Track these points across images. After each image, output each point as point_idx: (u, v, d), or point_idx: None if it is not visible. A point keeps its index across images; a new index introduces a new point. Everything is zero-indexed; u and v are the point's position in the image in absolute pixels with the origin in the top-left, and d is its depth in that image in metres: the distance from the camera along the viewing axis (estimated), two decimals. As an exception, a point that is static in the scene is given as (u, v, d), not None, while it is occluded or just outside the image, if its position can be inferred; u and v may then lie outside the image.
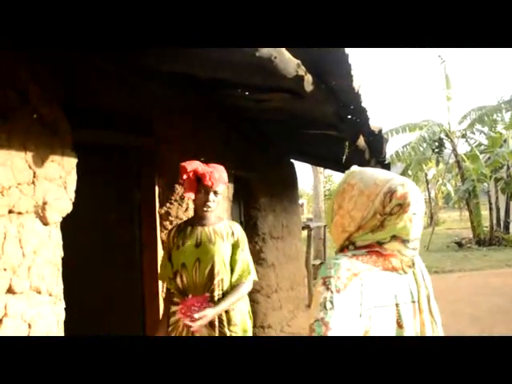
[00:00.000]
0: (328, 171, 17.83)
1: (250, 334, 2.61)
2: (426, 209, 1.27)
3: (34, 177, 1.95)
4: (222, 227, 2.58)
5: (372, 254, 1.19)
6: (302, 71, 2.19)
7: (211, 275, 2.48)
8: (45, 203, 1.99)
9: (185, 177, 2.46)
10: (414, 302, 1.24)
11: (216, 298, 2.48)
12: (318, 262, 8.80)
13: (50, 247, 2.04)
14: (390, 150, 18.63)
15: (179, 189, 3.23)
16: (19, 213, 1.88)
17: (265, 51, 1.75)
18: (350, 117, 3.34)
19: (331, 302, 1.09)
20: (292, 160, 6.65)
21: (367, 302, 1.13)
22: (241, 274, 2.57)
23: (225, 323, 2.49)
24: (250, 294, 2.88)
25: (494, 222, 16.59)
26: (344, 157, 4.12)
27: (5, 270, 1.81)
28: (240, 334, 2.51)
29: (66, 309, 2.15)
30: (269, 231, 5.44)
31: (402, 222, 1.19)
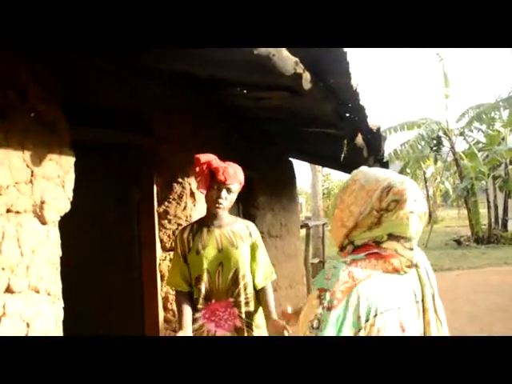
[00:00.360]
0: (326, 169, 17.83)
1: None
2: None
3: (32, 176, 1.95)
4: (240, 228, 2.48)
5: (371, 258, 1.19)
6: (300, 69, 2.19)
7: (235, 280, 2.41)
8: (43, 202, 1.99)
9: (197, 169, 2.35)
10: (417, 301, 1.24)
11: (243, 303, 2.42)
12: (316, 260, 8.79)
13: (49, 246, 2.04)
14: (389, 148, 18.61)
15: (177, 187, 3.23)
16: (17, 212, 1.88)
17: (263, 49, 1.76)
18: (348, 115, 3.34)
19: (319, 321, 1.10)
20: (290, 159, 6.64)
21: (367, 313, 1.12)
22: (265, 276, 2.52)
23: (253, 327, 2.44)
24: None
25: (493, 219, 16.61)
26: (342, 155, 4.12)
27: (3, 269, 1.81)
28: (265, 335, 2.46)
29: (64, 308, 2.14)
30: (267, 230, 5.44)
31: (399, 220, 1.19)
